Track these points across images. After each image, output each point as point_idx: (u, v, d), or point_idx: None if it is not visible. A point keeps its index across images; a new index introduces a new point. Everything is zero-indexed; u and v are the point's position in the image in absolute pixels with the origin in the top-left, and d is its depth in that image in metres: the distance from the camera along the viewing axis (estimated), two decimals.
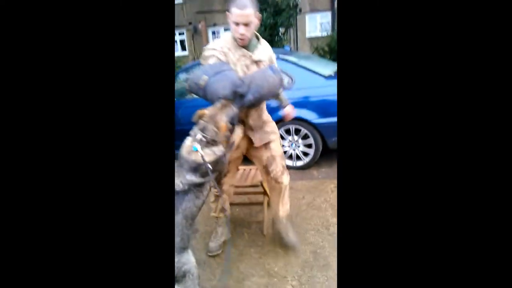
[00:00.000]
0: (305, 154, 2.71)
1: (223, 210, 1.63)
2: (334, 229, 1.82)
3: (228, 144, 1.19)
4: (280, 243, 1.69)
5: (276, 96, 1.44)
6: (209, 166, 1.09)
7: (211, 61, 1.25)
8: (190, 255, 1.16)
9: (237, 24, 1.21)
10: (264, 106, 1.47)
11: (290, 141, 2.72)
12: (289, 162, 2.74)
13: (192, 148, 1.11)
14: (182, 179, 1.12)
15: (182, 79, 3.15)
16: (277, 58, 2.71)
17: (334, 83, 2.54)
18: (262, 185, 1.84)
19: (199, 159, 1.09)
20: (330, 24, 9.08)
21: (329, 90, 2.51)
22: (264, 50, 1.36)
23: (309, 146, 2.66)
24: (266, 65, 1.33)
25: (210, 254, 1.68)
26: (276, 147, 1.51)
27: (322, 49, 6.23)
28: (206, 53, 1.28)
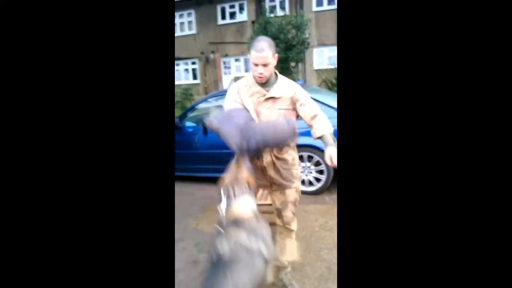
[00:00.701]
0: (317, 179, 2.92)
1: None
2: None
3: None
4: None
5: (287, 144, 1.39)
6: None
7: (230, 95, 1.40)
8: None
9: (256, 65, 1.32)
10: (292, 149, 1.50)
11: (303, 167, 2.94)
12: (302, 188, 2.94)
13: (222, 205, 1.12)
14: (227, 238, 1.02)
15: (201, 108, 3.47)
16: None
17: None
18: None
19: (245, 213, 1.07)
20: (337, 57, 9.66)
21: None
22: (281, 87, 1.40)
23: (321, 172, 2.88)
24: (284, 112, 1.38)
25: None
26: (291, 193, 1.50)
27: (330, 82, 6.65)
28: (230, 89, 1.45)
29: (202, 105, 3.52)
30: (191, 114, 3.51)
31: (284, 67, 6.67)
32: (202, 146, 3.24)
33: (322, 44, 10.08)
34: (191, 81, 12.94)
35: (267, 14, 7.77)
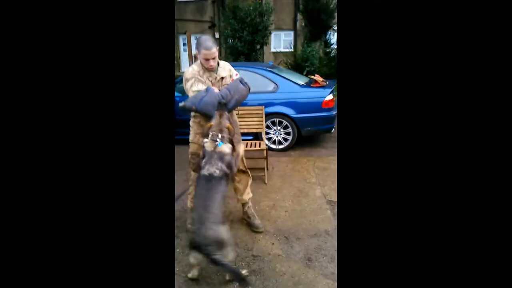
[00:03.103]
0: (285, 139, 3.77)
1: None
2: (309, 180, 2.88)
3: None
4: (247, 222, 2.16)
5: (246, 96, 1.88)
6: (233, 158, 1.63)
7: (193, 82, 1.76)
8: (227, 229, 1.49)
9: (207, 59, 1.75)
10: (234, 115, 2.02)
11: (274, 129, 3.75)
12: (273, 146, 3.78)
13: (218, 144, 1.60)
14: (217, 167, 1.55)
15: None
16: (265, 69, 3.79)
17: (306, 90, 3.67)
18: (266, 151, 2.84)
19: (227, 152, 1.61)
20: (292, 42, 10.58)
21: (303, 95, 3.63)
22: (222, 68, 1.89)
23: (288, 133, 3.73)
24: (236, 79, 1.85)
25: None
26: (241, 150, 1.86)
27: (290, 64, 7.57)
28: (187, 75, 1.81)
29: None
30: (178, 85, 4.04)
31: (251, 49, 7.41)
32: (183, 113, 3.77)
33: (279, 28, 10.86)
34: None
35: None
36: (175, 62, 12.42)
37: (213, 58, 1.76)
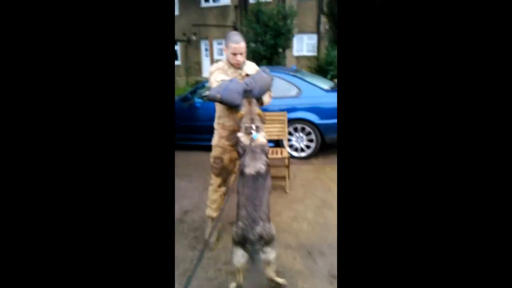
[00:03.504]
0: (308, 147, 3.64)
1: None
2: (334, 190, 2.73)
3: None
4: None
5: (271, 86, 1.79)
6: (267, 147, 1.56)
7: (217, 74, 1.69)
8: (273, 225, 1.43)
9: (235, 54, 1.67)
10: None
11: (297, 136, 3.63)
12: (295, 153, 3.65)
13: (253, 137, 1.51)
14: (262, 163, 1.48)
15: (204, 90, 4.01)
16: (287, 73, 3.69)
17: (331, 95, 3.52)
18: (288, 159, 2.73)
19: (265, 142, 1.53)
20: (316, 45, 10.39)
21: (327, 100, 3.48)
22: (248, 66, 1.82)
23: (311, 141, 3.59)
24: (259, 70, 1.76)
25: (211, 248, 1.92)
26: None
27: (314, 68, 7.42)
28: (212, 69, 1.76)
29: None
30: (200, 91, 4.03)
31: (273, 53, 7.33)
32: (204, 119, 3.73)
33: (301, 31, 10.72)
34: None
35: (251, 1, 8.29)
36: (197, 67, 12.66)
37: (241, 54, 1.69)
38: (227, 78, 1.68)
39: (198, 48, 12.66)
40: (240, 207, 1.42)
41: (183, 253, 1.90)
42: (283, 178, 2.84)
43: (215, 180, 1.95)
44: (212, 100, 1.63)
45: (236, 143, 1.66)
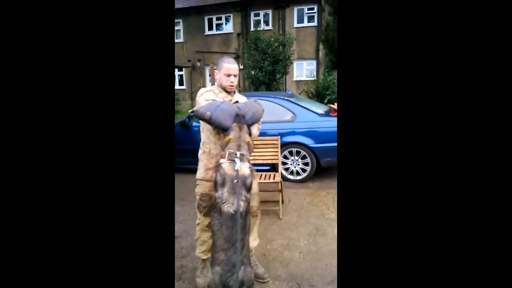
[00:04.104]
0: (303, 170, 3.60)
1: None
2: (328, 216, 2.66)
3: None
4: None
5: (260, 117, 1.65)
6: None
7: (207, 95, 1.56)
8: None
9: (228, 75, 1.59)
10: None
11: (292, 160, 3.61)
12: (291, 177, 3.61)
13: (238, 166, 1.32)
14: (241, 199, 1.29)
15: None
16: (282, 98, 3.74)
17: (325, 119, 3.53)
18: (281, 184, 2.69)
19: (248, 173, 1.35)
20: (315, 70, 10.65)
21: (322, 124, 3.49)
22: (238, 96, 1.75)
23: (307, 164, 3.56)
24: (250, 99, 1.66)
25: None
26: (255, 185, 1.61)
27: (311, 92, 7.54)
28: (202, 91, 1.63)
29: None
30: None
31: (272, 79, 7.53)
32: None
33: (301, 58, 11.03)
34: (177, 86, 13.37)
35: (252, 28, 8.66)
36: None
37: (235, 75, 1.61)
38: (218, 99, 1.57)
39: (202, 74, 13.03)
40: (217, 250, 1.27)
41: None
42: (277, 202, 2.78)
43: (202, 220, 1.69)
44: (201, 118, 1.48)
45: (216, 170, 1.46)
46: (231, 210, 1.28)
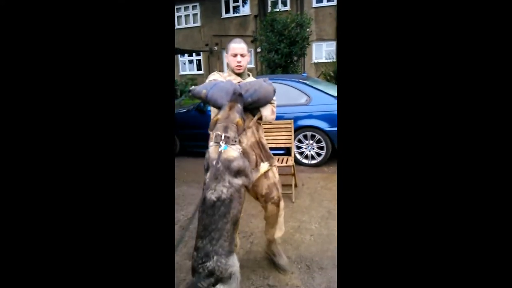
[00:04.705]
0: (318, 154, 3.56)
1: None
2: None
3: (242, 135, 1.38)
4: (273, 262, 1.82)
5: (269, 101, 1.52)
6: (248, 164, 1.29)
7: (211, 77, 1.54)
8: (236, 258, 1.24)
9: (235, 55, 1.52)
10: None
11: (307, 144, 3.57)
12: (305, 161, 3.58)
13: (223, 148, 1.24)
14: (224, 185, 1.21)
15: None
16: (297, 81, 3.66)
17: None
18: (293, 167, 2.68)
19: (234, 156, 1.24)
20: (335, 52, 10.25)
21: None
22: (251, 79, 1.60)
23: (322, 148, 3.51)
24: (261, 79, 1.52)
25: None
26: (274, 174, 1.63)
27: (328, 74, 7.30)
28: (210, 76, 1.57)
29: None
30: None
31: (288, 61, 7.33)
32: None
33: (320, 39, 10.63)
34: (195, 71, 13.42)
35: (269, 9, 8.41)
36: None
37: (242, 55, 1.52)
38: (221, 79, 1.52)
39: (220, 58, 12.96)
40: (197, 236, 1.24)
41: (180, 261, 1.90)
42: (290, 186, 2.79)
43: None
44: (197, 96, 1.43)
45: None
46: (213, 197, 1.21)
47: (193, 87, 1.47)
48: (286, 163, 2.72)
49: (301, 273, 1.77)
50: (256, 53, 11.22)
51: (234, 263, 1.21)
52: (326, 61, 9.88)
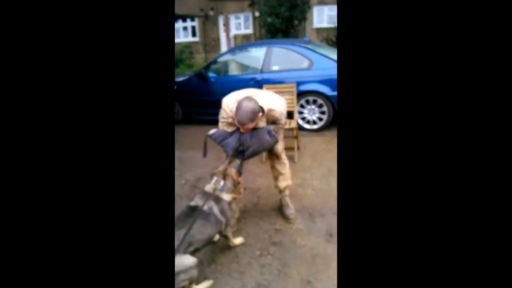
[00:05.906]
0: (320, 119, 3.66)
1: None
2: None
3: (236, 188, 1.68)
4: (281, 212, 2.06)
5: (271, 147, 1.78)
6: (227, 207, 1.54)
7: (223, 121, 1.73)
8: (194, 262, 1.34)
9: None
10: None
11: (309, 109, 3.66)
12: (307, 126, 3.69)
13: (219, 191, 1.55)
14: (208, 205, 1.47)
15: (222, 61, 4.08)
16: (298, 45, 3.65)
17: None
18: (296, 130, 2.80)
19: (226, 198, 1.55)
20: (337, 16, 9.93)
21: None
22: (261, 120, 1.72)
23: (323, 113, 3.61)
24: (265, 128, 1.68)
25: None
26: (280, 134, 1.84)
27: (331, 39, 7.17)
28: (223, 113, 1.73)
29: (223, 58, 4.13)
30: (214, 66, 4.11)
31: (289, 26, 7.16)
32: (218, 93, 3.83)
33: (322, 2, 10.24)
34: (190, 38, 13.02)
35: None
36: (213, 43, 12.57)
37: (247, 129, 1.65)
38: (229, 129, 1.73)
39: (216, 24, 12.52)
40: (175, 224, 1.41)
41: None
42: (292, 149, 2.93)
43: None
44: (212, 140, 1.75)
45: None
46: (192, 203, 1.50)
47: (211, 132, 1.75)
48: (290, 125, 2.84)
49: (304, 220, 1.97)
50: (254, 17, 10.83)
51: (187, 265, 1.31)
52: (328, 26, 9.61)
